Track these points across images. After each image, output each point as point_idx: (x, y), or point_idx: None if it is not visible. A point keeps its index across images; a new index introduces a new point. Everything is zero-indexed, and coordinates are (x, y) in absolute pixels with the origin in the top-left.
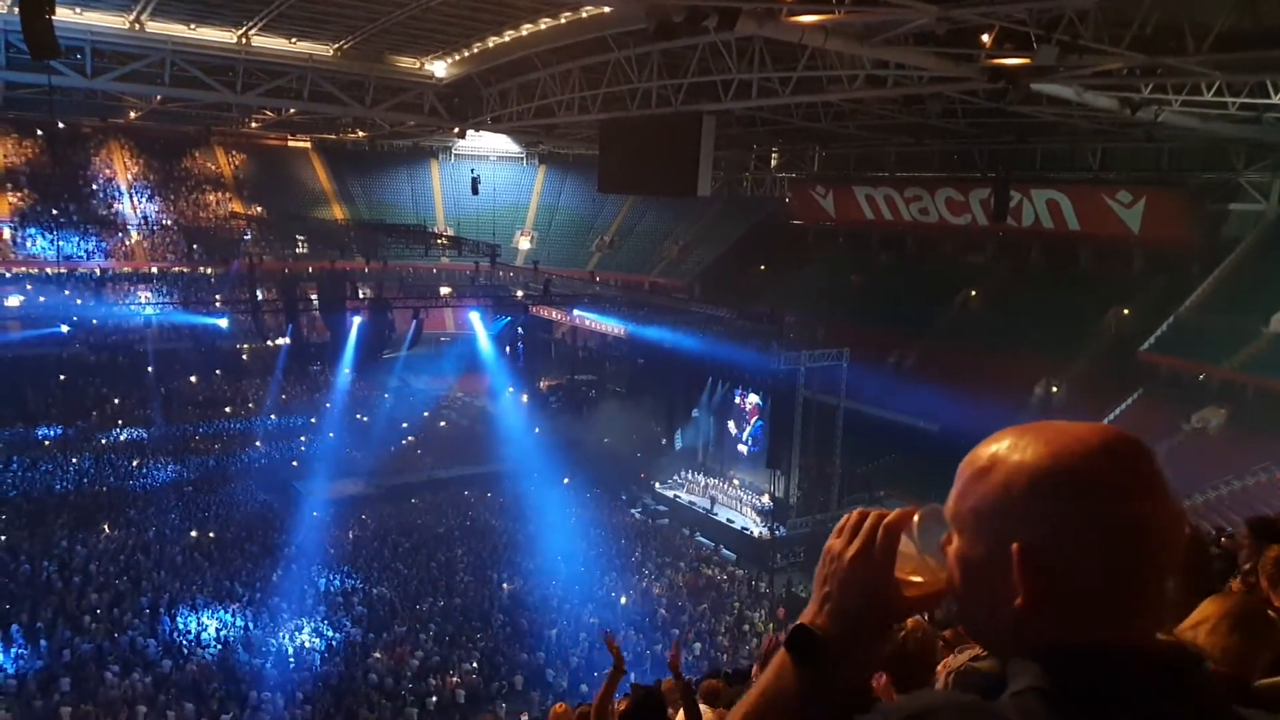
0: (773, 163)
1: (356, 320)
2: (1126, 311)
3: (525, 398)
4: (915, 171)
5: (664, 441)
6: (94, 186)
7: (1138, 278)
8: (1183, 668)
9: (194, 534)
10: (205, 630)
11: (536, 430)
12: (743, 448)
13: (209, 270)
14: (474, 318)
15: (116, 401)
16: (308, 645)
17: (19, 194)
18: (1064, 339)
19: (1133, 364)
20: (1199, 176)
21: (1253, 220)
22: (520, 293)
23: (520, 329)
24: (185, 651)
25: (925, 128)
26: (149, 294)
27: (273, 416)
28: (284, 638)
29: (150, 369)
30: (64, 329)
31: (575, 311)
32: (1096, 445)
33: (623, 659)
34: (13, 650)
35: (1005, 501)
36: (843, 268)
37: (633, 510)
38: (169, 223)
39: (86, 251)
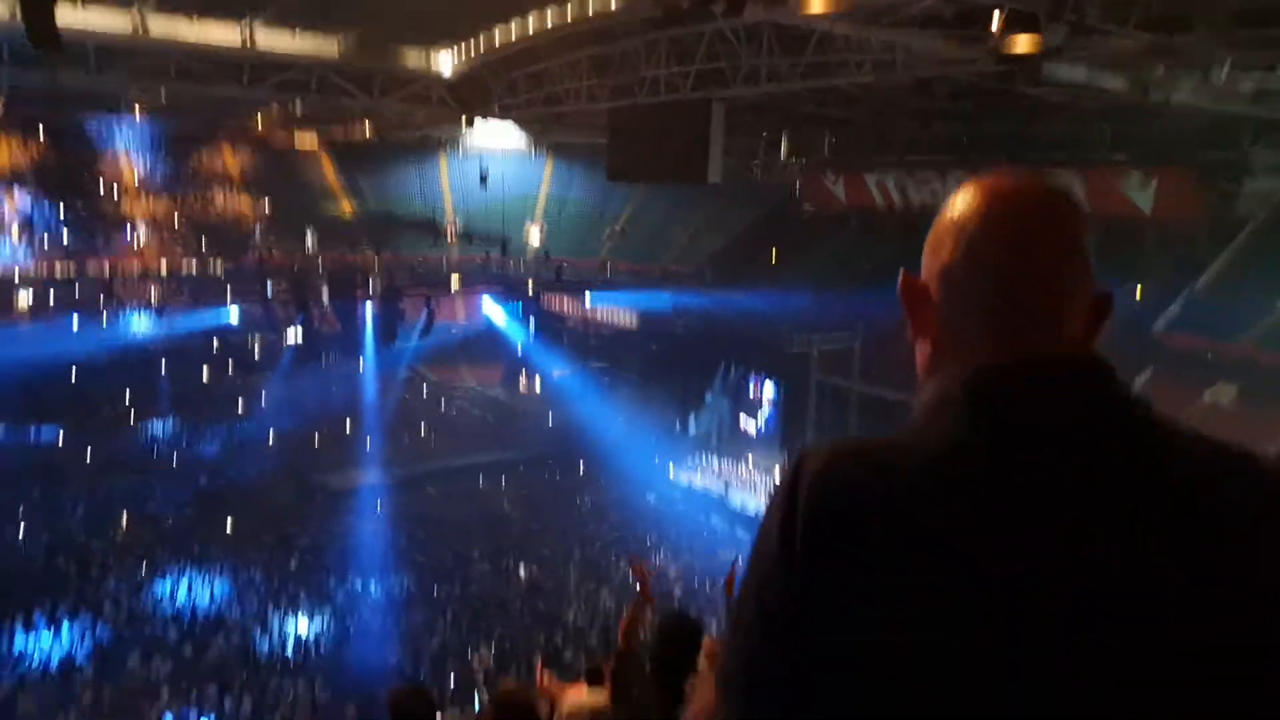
0: (782, 149)
1: (369, 308)
2: (1139, 292)
3: (539, 386)
4: (925, 155)
5: (678, 428)
6: (99, 184)
7: (1149, 257)
8: (1078, 369)
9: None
10: (225, 619)
11: (550, 418)
12: (753, 427)
13: (218, 265)
14: (487, 301)
15: (129, 400)
16: (324, 632)
17: (25, 191)
18: None
19: (1146, 342)
20: (1209, 155)
21: (1262, 198)
22: (531, 281)
23: (533, 318)
24: (205, 639)
25: (934, 111)
26: (158, 290)
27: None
28: (301, 626)
29: (162, 365)
30: (75, 326)
31: (587, 297)
32: (1004, 186)
33: (649, 585)
34: (31, 636)
35: (927, 248)
36: (854, 253)
37: (647, 496)
38: (177, 222)
39: (95, 249)
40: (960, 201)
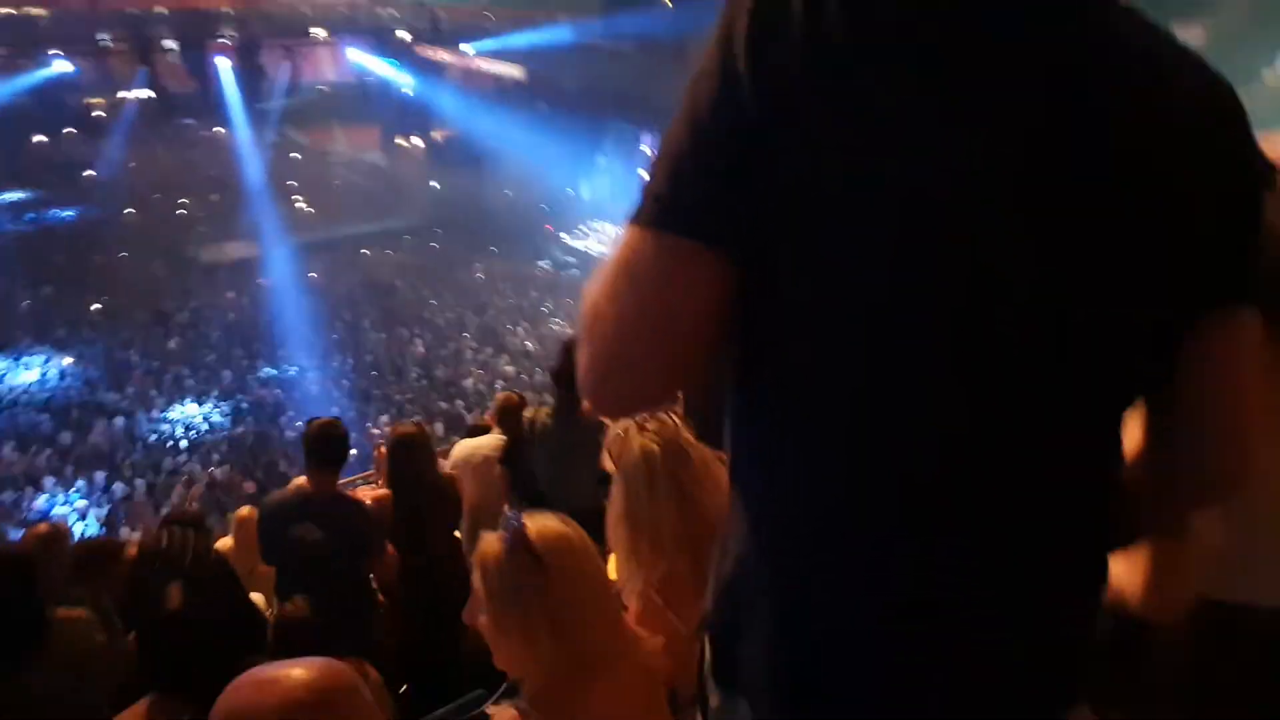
0: None
1: (226, 64)
2: None
3: (420, 149)
4: None
5: (570, 191)
6: None
7: None
8: None
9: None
10: (104, 404)
11: (434, 184)
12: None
13: (38, 11)
14: (357, 54)
15: None
16: (215, 410)
17: None
18: None
19: None
20: None
21: None
22: (407, 34)
23: (408, 72)
24: (84, 425)
25: None
26: None
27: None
28: (188, 406)
29: None
30: None
31: (468, 49)
32: None
33: None
34: None
35: None
36: None
37: (540, 262)
38: None
39: None
40: None
